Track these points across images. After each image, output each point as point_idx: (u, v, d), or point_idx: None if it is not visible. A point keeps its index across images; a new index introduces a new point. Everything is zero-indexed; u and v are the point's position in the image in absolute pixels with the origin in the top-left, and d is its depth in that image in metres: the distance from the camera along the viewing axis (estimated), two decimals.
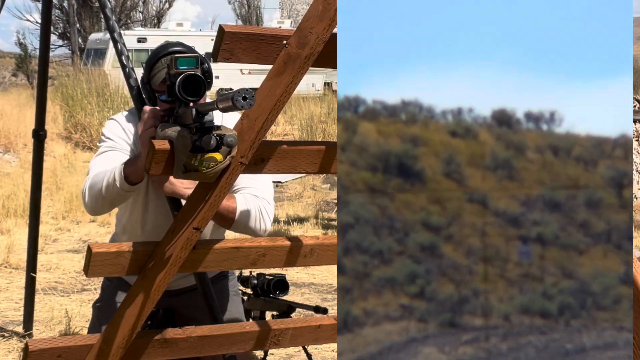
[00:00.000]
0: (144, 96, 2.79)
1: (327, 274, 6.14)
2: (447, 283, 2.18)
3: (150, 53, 2.90)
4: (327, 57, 2.19)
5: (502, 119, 2.23)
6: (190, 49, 2.77)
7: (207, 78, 2.59)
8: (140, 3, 38.76)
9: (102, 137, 2.83)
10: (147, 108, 2.56)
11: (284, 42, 2.15)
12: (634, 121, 8.94)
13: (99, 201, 2.64)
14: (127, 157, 2.68)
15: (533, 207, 2.23)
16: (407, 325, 2.15)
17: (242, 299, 3.31)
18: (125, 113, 2.91)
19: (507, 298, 2.19)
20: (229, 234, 2.96)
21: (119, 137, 2.80)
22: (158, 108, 2.57)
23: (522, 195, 2.23)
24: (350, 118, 2.18)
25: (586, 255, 2.24)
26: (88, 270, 2.29)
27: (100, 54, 23.15)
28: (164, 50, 2.77)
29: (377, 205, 2.17)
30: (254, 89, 2.08)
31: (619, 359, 2.18)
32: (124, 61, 2.86)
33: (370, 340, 2.14)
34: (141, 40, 22.93)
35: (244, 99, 1.96)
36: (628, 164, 2.27)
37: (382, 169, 2.18)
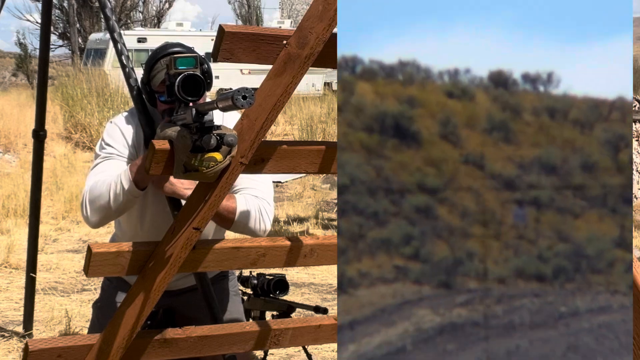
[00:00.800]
0: (144, 96, 2.79)
1: (327, 274, 6.14)
2: (442, 245, 2.16)
3: (150, 53, 2.90)
4: (327, 57, 2.19)
5: (499, 80, 2.21)
6: (190, 50, 2.77)
7: (206, 78, 2.59)
8: (140, 3, 38.77)
9: (102, 144, 2.82)
10: None
11: (284, 42, 2.15)
12: (634, 121, 8.94)
13: (106, 212, 2.63)
14: (125, 164, 2.67)
15: (529, 170, 2.21)
16: (401, 287, 2.13)
17: (242, 299, 3.30)
18: (125, 114, 2.90)
19: (502, 261, 2.17)
20: (229, 234, 2.96)
21: (118, 141, 2.79)
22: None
23: (518, 157, 2.21)
24: (348, 78, 2.16)
25: (581, 218, 2.22)
26: (88, 270, 2.29)
27: (100, 54, 23.13)
28: (164, 51, 2.77)
29: (373, 166, 2.15)
30: (254, 89, 2.08)
31: (612, 323, 2.17)
32: (124, 61, 2.86)
33: (364, 302, 2.13)
34: (141, 40, 22.92)
35: (244, 97, 1.96)
36: (625, 127, 2.25)
37: (378, 130, 2.16)
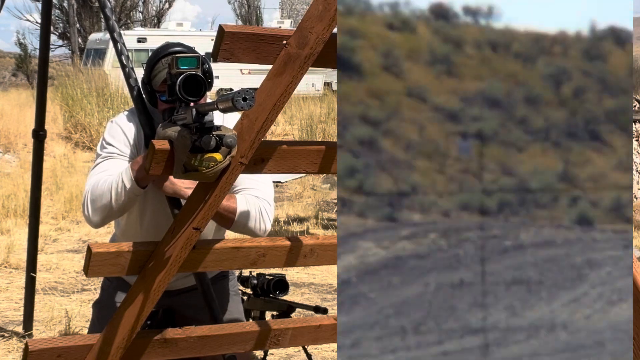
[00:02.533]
0: (144, 96, 2.79)
1: (327, 274, 6.14)
2: (386, 177, 2.14)
3: (150, 53, 2.90)
4: (327, 57, 2.19)
5: (439, 12, 2.19)
6: (191, 50, 2.77)
7: (207, 78, 2.59)
8: (140, 3, 38.76)
9: (103, 143, 2.82)
10: None
11: (284, 42, 2.15)
12: (634, 121, 8.94)
13: (108, 212, 2.63)
14: (126, 163, 2.67)
15: (472, 102, 2.20)
16: (345, 220, 2.12)
17: (242, 299, 3.31)
18: (126, 113, 2.90)
19: (446, 194, 2.17)
20: (229, 234, 2.96)
21: (119, 140, 2.79)
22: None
23: (461, 90, 2.20)
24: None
25: (525, 152, 2.21)
26: (88, 270, 2.29)
27: (100, 54, 23.13)
28: (165, 51, 2.77)
29: None
30: (254, 89, 2.08)
31: (556, 257, 2.18)
32: (124, 61, 2.86)
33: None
34: (141, 40, 22.92)
35: (244, 99, 1.96)
36: (567, 60, 2.24)
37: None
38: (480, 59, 2.21)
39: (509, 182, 2.19)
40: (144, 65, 2.82)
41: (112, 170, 2.65)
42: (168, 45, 2.82)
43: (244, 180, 2.75)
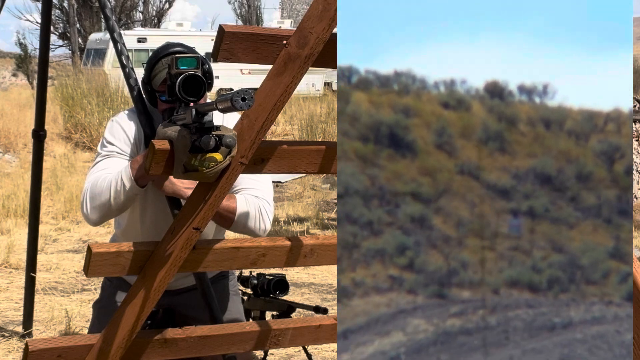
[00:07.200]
0: (144, 96, 2.79)
1: (327, 274, 6.14)
2: (437, 255, 2.16)
3: (150, 53, 2.90)
4: (327, 57, 2.19)
5: (495, 91, 2.21)
6: (191, 50, 2.78)
7: (207, 78, 2.60)
8: (140, 3, 38.76)
9: (103, 142, 2.82)
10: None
11: (284, 42, 2.15)
12: (634, 121, 8.94)
13: (106, 210, 2.63)
14: (126, 162, 2.67)
15: (524, 180, 2.21)
16: (395, 297, 2.13)
17: (242, 299, 3.31)
18: (127, 112, 2.90)
19: (496, 271, 2.18)
20: (229, 234, 2.96)
21: (119, 139, 2.79)
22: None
23: (513, 168, 2.21)
24: (344, 88, 2.18)
25: (576, 229, 2.22)
26: (88, 270, 2.29)
27: (100, 54, 23.13)
28: (165, 51, 2.77)
29: (368, 175, 2.16)
30: (254, 89, 2.08)
31: (606, 334, 2.17)
32: (124, 61, 2.87)
33: (358, 312, 2.13)
34: (141, 40, 22.92)
35: (243, 99, 1.96)
36: (621, 138, 2.25)
37: (373, 139, 2.17)
38: (533, 137, 2.23)
39: (559, 258, 2.21)
40: (144, 65, 2.82)
41: (112, 169, 2.65)
42: (168, 46, 2.82)
43: (244, 180, 2.75)
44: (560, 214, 2.22)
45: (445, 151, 2.19)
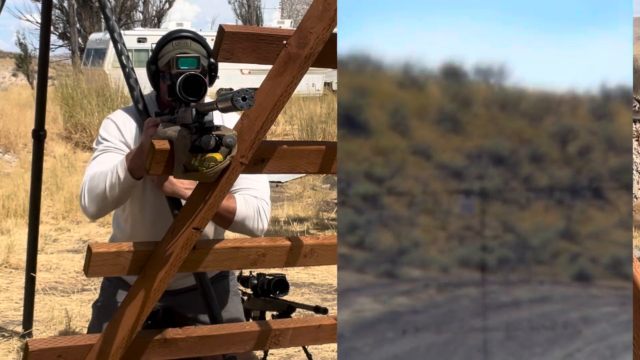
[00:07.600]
0: (148, 77, 2.81)
1: (327, 274, 6.14)
2: (388, 233, 2.16)
3: (150, 53, 2.91)
4: (327, 57, 2.19)
5: (450, 71, 2.20)
6: (201, 38, 2.79)
7: (211, 72, 2.69)
8: (140, 3, 38.75)
9: (98, 139, 2.84)
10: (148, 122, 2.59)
11: (284, 42, 2.16)
12: (634, 121, 8.94)
13: (102, 202, 2.64)
14: (123, 156, 2.68)
15: (477, 160, 2.21)
16: (344, 275, 2.14)
17: (242, 299, 3.31)
18: (122, 109, 2.92)
19: (447, 250, 2.18)
20: (229, 234, 2.96)
21: (114, 136, 2.81)
22: (158, 120, 2.56)
23: (466, 148, 2.21)
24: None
25: (527, 210, 2.23)
26: (88, 270, 2.29)
27: (100, 54, 23.12)
28: (177, 34, 2.80)
29: None
30: (254, 89, 2.08)
31: (551, 313, 2.19)
32: (124, 61, 2.87)
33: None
34: (141, 40, 22.91)
35: (244, 99, 1.96)
36: (574, 119, 2.25)
37: (337, 121, 2.18)
38: (487, 118, 2.22)
39: (509, 239, 2.21)
40: (154, 45, 2.85)
41: (109, 163, 2.67)
42: (181, 30, 2.84)
43: (242, 180, 2.76)
44: (513, 195, 2.22)
45: (399, 131, 2.19)
